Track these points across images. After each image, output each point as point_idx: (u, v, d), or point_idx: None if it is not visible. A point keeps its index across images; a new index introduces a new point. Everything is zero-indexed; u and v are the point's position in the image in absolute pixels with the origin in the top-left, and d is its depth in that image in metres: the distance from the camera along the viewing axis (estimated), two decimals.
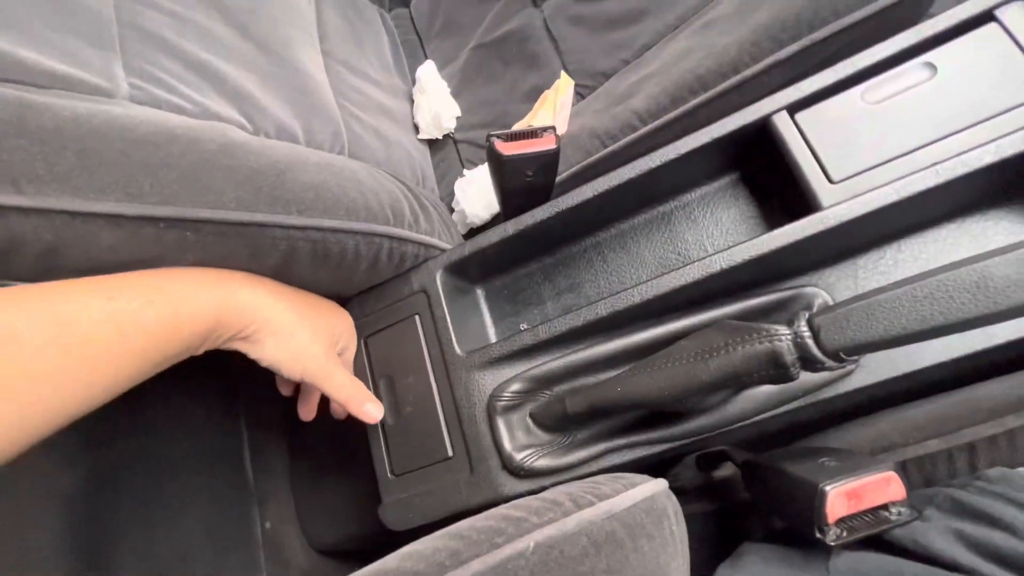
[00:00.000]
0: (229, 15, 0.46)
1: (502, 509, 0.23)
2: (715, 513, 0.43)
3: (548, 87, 0.51)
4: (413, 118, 0.57)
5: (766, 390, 0.33)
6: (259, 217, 0.30)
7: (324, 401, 0.43)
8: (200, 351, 0.32)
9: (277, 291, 0.37)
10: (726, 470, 0.42)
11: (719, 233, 0.39)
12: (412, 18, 0.68)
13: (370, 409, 0.39)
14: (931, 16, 0.32)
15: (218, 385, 0.54)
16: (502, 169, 0.38)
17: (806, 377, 0.33)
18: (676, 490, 0.38)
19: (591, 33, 0.49)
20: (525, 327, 0.41)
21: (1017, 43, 0.29)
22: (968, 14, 0.30)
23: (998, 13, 0.30)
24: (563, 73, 0.49)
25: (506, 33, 0.55)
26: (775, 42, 0.35)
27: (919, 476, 0.31)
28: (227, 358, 0.37)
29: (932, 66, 0.31)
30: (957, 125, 0.30)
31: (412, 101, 0.59)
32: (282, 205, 0.31)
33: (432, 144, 0.58)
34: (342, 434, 0.46)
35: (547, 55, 0.52)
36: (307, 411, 0.43)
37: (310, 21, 0.54)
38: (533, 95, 0.53)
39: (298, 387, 0.43)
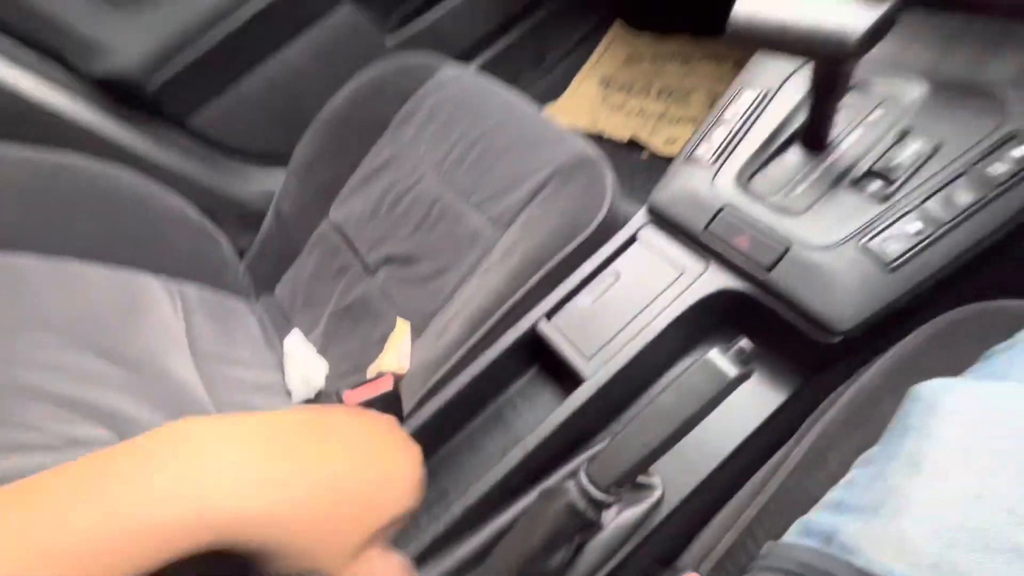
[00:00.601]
0: (101, 348, 0.54)
1: None
2: None
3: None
4: (286, 386, 0.65)
5: (606, 537, 0.40)
6: None
7: None
8: None
9: (294, 496, 0.26)
10: None
11: (538, 415, 0.48)
12: (277, 301, 0.80)
13: None
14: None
15: None
16: None
17: (629, 516, 0.40)
18: None
19: (414, 287, 0.63)
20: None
21: (651, 251, 0.46)
22: (623, 239, 0.48)
23: (637, 236, 0.48)
24: (399, 319, 0.62)
25: (353, 300, 0.69)
26: (525, 275, 0.51)
27: (735, 570, 0.37)
28: None
29: (617, 272, 0.47)
30: (644, 304, 0.44)
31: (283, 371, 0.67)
32: None
33: (313, 398, 0.66)
34: None
35: (386, 309, 0.65)
36: None
37: (180, 330, 0.63)
38: (383, 341, 0.64)
39: None
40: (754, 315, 0.42)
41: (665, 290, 0.44)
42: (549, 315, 0.47)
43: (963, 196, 0.36)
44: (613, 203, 0.53)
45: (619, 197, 0.55)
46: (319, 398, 0.65)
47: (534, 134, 0.63)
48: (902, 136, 0.39)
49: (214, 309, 0.70)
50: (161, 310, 0.62)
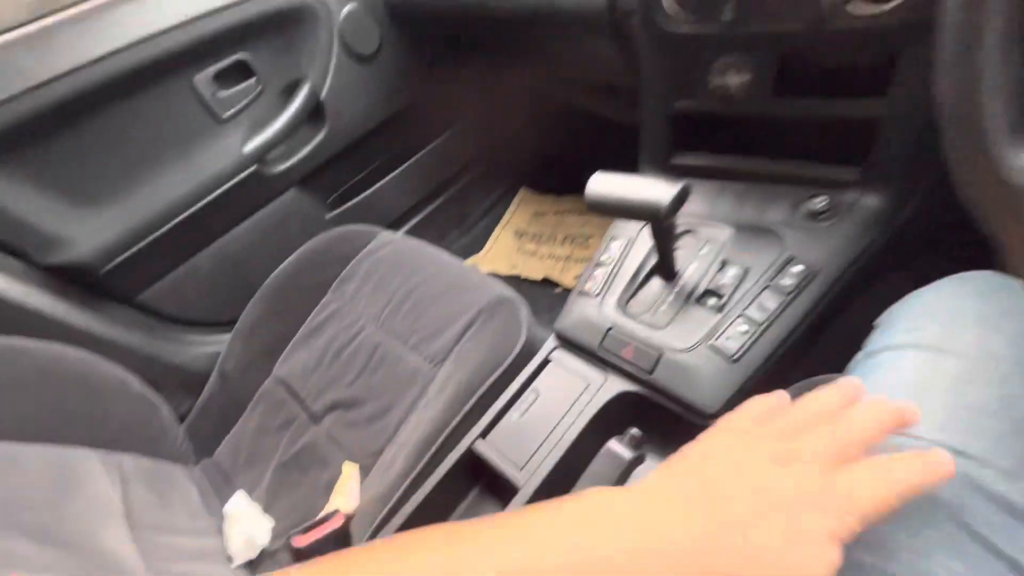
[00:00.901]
0: (30, 529, 0.52)
1: None
2: None
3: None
4: (226, 550, 0.64)
5: None
6: None
7: None
8: None
9: None
10: None
11: None
12: (218, 463, 0.80)
13: None
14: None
15: None
16: (305, 557, 0.48)
17: None
18: None
19: (360, 429, 0.68)
20: None
21: (563, 369, 0.56)
22: (539, 362, 0.57)
23: (550, 358, 0.58)
24: (345, 463, 0.65)
25: (299, 449, 0.71)
26: (460, 403, 0.58)
27: None
28: None
29: (537, 390, 0.56)
30: (561, 414, 0.52)
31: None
32: None
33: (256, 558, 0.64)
34: None
35: (334, 454, 0.68)
36: None
37: (116, 502, 0.62)
38: (330, 487, 0.66)
39: None
40: (649, 410, 0.51)
41: (577, 400, 0.52)
42: (484, 434, 0.54)
43: (770, 303, 0.50)
44: (529, 334, 0.63)
45: (534, 328, 0.65)
46: (262, 557, 0.64)
47: (459, 282, 0.75)
48: (723, 265, 0.54)
49: (151, 478, 0.69)
50: (97, 483, 0.62)
